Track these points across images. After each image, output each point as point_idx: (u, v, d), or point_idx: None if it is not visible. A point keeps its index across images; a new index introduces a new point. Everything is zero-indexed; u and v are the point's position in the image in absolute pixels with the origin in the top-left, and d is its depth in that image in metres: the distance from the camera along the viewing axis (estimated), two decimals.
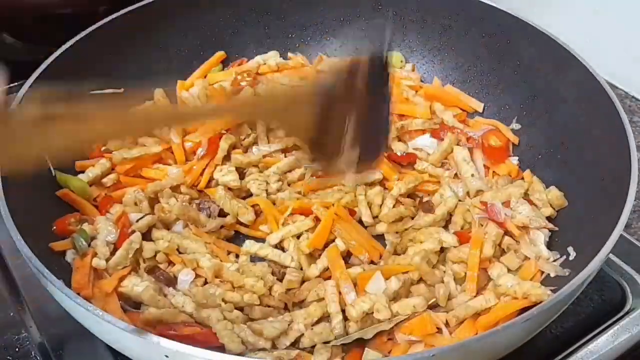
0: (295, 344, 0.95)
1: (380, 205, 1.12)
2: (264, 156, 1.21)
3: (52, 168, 1.10)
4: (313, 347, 0.95)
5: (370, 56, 1.01)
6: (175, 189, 1.14)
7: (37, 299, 1.03)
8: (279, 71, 1.35)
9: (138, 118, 0.85)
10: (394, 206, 1.12)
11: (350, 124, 0.97)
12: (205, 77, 1.35)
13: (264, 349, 0.92)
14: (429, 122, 1.27)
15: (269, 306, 1.00)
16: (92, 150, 1.19)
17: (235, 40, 1.39)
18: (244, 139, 1.24)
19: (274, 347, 0.94)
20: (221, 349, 0.91)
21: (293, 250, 1.06)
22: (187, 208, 1.09)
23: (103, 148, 1.20)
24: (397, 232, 1.10)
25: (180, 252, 1.06)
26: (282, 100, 1.00)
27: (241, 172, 1.18)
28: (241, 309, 0.99)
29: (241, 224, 1.12)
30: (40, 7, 1.48)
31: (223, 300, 0.98)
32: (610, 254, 0.93)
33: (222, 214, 1.12)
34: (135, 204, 1.11)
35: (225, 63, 1.39)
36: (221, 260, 1.05)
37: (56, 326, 1.00)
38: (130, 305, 0.99)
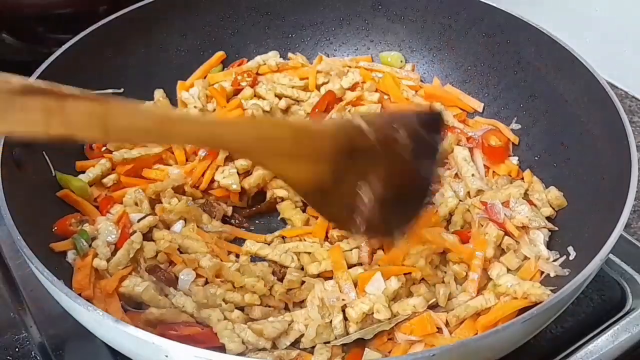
0: (295, 344, 0.95)
1: None
2: None
3: (52, 168, 1.10)
4: (313, 347, 0.95)
5: (425, 111, 0.87)
6: (177, 189, 1.14)
7: (38, 299, 1.03)
8: (279, 71, 1.35)
9: (115, 118, 0.69)
10: None
11: (377, 183, 0.81)
12: (205, 77, 1.35)
13: (264, 349, 0.92)
14: None
15: (269, 306, 1.00)
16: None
17: (235, 40, 1.39)
18: None
19: (274, 347, 0.94)
20: (222, 349, 0.92)
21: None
22: (191, 206, 1.10)
23: (103, 148, 1.20)
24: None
25: (181, 252, 1.06)
26: (290, 133, 0.78)
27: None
28: (241, 309, 0.99)
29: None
30: (40, 7, 1.48)
31: (224, 300, 0.98)
32: (610, 254, 0.93)
33: (225, 220, 1.13)
34: (136, 204, 1.11)
35: (225, 63, 1.39)
36: (222, 260, 1.05)
37: (56, 326, 1.00)
38: (131, 305, 0.99)
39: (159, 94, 1.30)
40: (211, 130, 0.76)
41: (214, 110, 1.28)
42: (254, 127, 0.79)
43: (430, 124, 0.88)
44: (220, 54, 1.37)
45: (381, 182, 0.83)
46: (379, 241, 0.92)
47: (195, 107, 1.26)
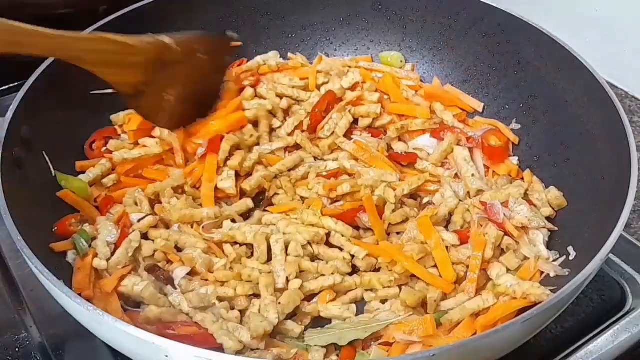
0: (288, 340, 0.96)
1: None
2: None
3: (52, 169, 1.10)
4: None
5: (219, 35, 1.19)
6: (176, 189, 1.14)
7: (38, 299, 1.03)
8: (279, 71, 1.35)
9: None
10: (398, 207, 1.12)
11: (184, 85, 1.09)
12: None
13: (258, 349, 0.93)
14: (429, 122, 1.27)
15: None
16: None
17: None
18: (247, 139, 1.23)
19: (271, 345, 0.94)
20: (220, 349, 0.92)
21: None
22: (190, 203, 1.10)
23: (104, 148, 1.20)
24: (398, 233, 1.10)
25: (179, 251, 1.06)
26: (115, 48, 1.00)
27: None
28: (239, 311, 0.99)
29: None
30: (40, 7, 1.49)
31: (217, 298, 0.98)
32: (610, 254, 0.93)
33: None
34: (136, 204, 1.11)
35: None
36: (216, 256, 1.05)
37: (56, 326, 1.00)
38: (131, 305, 0.99)
39: None
40: (57, 43, 0.96)
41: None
42: (87, 41, 1.01)
43: (222, 45, 1.22)
44: None
45: (183, 86, 1.11)
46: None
47: None
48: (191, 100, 1.15)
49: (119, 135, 1.24)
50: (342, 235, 1.06)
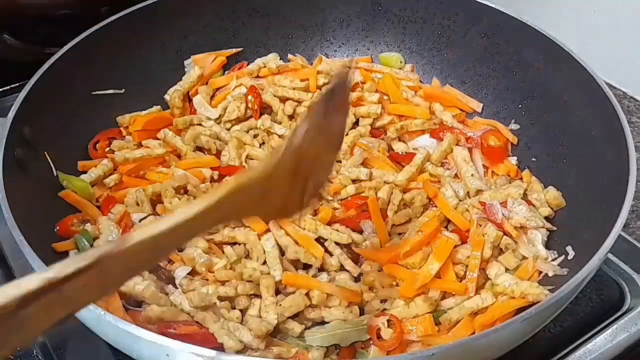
0: (286, 338, 0.97)
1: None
2: None
3: (54, 169, 1.10)
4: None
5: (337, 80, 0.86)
6: (178, 189, 1.14)
7: None
8: (279, 73, 1.35)
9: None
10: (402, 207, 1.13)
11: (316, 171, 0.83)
12: (206, 83, 1.35)
13: (259, 349, 0.93)
14: (428, 122, 1.27)
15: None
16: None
17: (236, 41, 1.39)
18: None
19: (271, 344, 0.94)
20: (221, 348, 0.92)
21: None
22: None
23: (107, 149, 1.20)
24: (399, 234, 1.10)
25: (180, 250, 1.06)
26: (255, 184, 0.76)
27: None
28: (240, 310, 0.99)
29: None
30: (41, 8, 1.49)
31: (218, 297, 0.99)
32: (609, 254, 0.93)
33: None
34: (137, 204, 1.11)
35: (225, 66, 1.39)
36: (216, 256, 1.05)
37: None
38: (132, 304, 0.99)
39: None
40: (199, 223, 0.70)
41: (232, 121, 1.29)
42: (230, 199, 0.73)
43: (339, 92, 0.87)
44: (220, 59, 1.37)
45: (317, 165, 0.84)
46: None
47: (208, 118, 1.28)
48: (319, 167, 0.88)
49: (124, 136, 1.25)
50: (337, 244, 1.05)
